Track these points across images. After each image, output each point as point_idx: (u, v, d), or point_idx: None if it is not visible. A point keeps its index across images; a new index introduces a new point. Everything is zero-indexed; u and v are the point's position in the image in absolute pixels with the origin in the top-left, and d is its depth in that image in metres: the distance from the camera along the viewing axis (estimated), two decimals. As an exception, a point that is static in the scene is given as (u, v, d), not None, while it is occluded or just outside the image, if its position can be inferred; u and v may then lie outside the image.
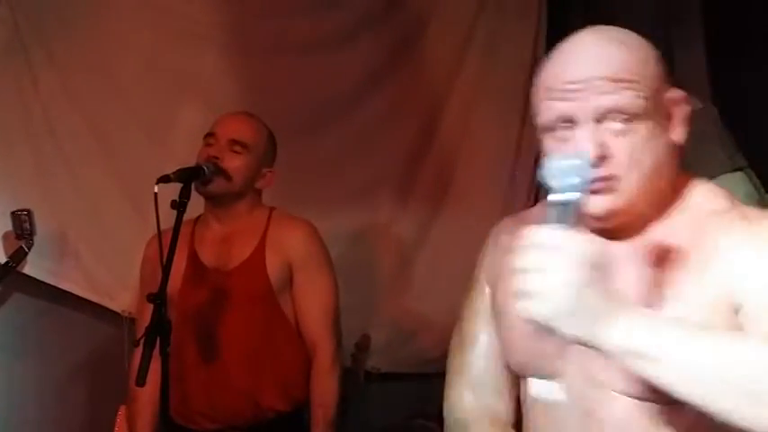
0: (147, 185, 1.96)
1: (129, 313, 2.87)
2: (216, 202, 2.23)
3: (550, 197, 0.96)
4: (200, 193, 2.17)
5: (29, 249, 2.78)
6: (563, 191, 0.95)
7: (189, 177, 2.04)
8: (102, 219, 2.99)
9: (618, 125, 1.04)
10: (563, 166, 0.96)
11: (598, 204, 1.05)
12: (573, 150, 1.02)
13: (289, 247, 2.22)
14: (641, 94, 1.05)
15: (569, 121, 1.06)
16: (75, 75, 2.97)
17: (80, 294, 2.98)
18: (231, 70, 3.08)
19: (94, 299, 2.99)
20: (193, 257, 2.24)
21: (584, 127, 1.04)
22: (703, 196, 1.13)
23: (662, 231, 1.10)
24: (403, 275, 3.27)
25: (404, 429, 3.03)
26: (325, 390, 2.21)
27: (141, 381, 1.79)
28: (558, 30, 3.11)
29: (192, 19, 3.06)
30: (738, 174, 2.36)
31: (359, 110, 3.21)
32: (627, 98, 1.04)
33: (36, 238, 2.78)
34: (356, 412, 2.65)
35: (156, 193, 1.89)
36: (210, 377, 2.17)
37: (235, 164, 2.18)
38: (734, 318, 1.01)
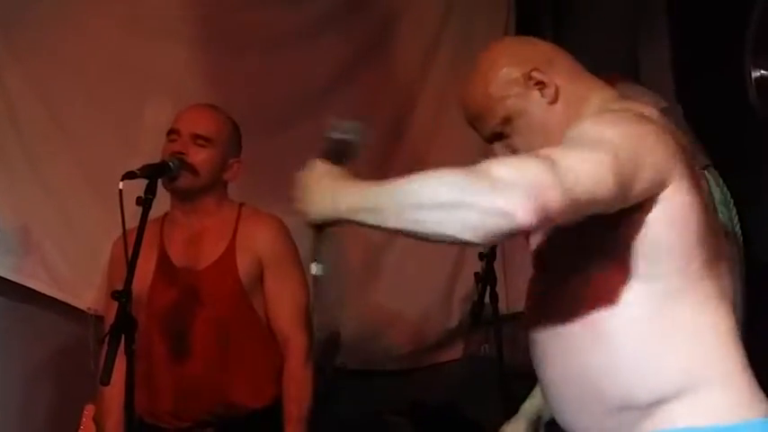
0: (113, 181, 1.92)
1: (95, 311, 2.83)
2: (183, 197, 2.21)
3: (327, 133, 1.40)
4: (167, 189, 2.15)
5: (-8, 247, 2.74)
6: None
7: (155, 173, 2.01)
8: (68, 215, 2.95)
9: (506, 135, 1.41)
10: (347, 126, 1.44)
11: None
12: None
13: (259, 245, 2.22)
14: (500, 110, 1.38)
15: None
16: (41, 70, 2.93)
17: (44, 292, 2.94)
18: (199, 65, 3.06)
19: (59, 296, 2.94)
20: (163, 257, 2.22)
21: (495, 145, 1.44)
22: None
23: None
24: (372, 272, 3.26)
25: (373, 425, 3.04)
26: (298, 385, 2.20)
27: (106, 379, 1.77)
28: (527, 30, 3.13)
29: (160, 14, 3.03)
30: (702, 172, 2.40)
31: (328, 105, 3.19)
32: (491, 121, 1.40)
33: (-1, 235, 2.74)
34: (325, 409, 2.65)
35: (120, 190, 1.86)
36: (182, 376, 2.15)
37: (201, 157, 2.16)
38: None
